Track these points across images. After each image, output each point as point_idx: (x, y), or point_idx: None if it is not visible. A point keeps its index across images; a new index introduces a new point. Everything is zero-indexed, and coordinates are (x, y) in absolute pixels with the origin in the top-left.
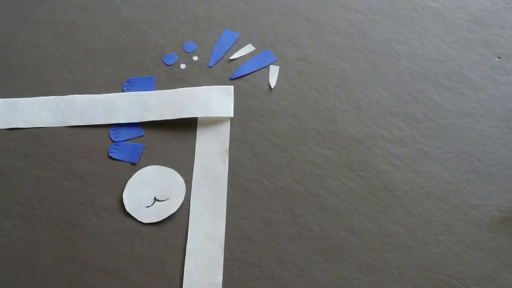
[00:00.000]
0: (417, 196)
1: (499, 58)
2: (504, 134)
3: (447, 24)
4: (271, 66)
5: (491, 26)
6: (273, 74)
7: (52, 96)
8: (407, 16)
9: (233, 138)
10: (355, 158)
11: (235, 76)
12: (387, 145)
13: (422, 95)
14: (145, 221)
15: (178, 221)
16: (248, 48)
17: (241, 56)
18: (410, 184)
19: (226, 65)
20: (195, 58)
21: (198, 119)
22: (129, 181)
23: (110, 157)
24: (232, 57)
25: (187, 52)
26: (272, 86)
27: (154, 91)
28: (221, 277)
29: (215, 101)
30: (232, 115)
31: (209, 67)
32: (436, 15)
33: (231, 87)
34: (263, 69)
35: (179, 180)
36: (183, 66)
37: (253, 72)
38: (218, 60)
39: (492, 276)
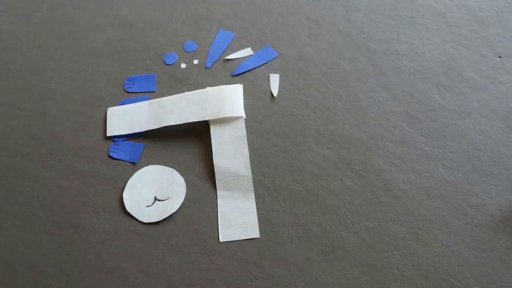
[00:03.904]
0: (418, 196)
1: (500, 57)
2: (505, 134)
3: (448, 24)
4: (271, 75)
5: (492, 26)
6: (274, 83)
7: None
8: (408, 15)
9: None
10: (356, 158)
11: (236, 73)
12: (388, 145)
13: (423, 95)
14: (145, 221)
15: (179, 220)
16: (247, 52)
17: (238, 58)
18: (410, 184)
19: (225, 64)
20: (196, 59)
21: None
22: (129, 181)
23: (110, 157)
24: (228, 57)
25: (188, 52)
26: (275, 95)
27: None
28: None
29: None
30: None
31: (207, 68)
32: (437, 15)
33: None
34: (263, 69)
35: (179, 179)
36: (183, 65)
37: (254, 68)
38: (215, 61)
39: (492, 276)
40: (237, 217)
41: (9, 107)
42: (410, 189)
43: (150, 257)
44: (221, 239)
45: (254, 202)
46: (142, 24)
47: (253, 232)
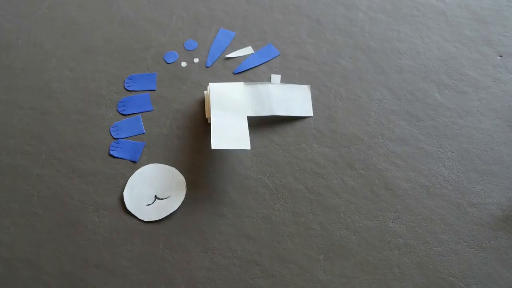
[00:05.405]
0: (418, 194)
1: (500, 56)
2: (506, 133)
3: (448, 23)
4: (273, 75)
5: (493, 25)
6: (276, 83)
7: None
8: (409, 14)
9: None
10: (356, 156)
11: (238, 71)
12: (388, 144)
13: (424, 94)
14: (145, 219)
15: (179, 219)
16: (247, 50)
17: (238, 56)
18: (411, 183)
19: (226, 62)
20: (196, 57)
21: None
22: (129, 179)
23: (111, 155)
24: (229, 56)
25: (188, 50)
26: None
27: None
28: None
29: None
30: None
31: (207, 67)
32: (438, 14)
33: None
34: (264, 67)
35: (180, 178)
36: (184, 64)
37: (256, 66)
38: (216, 60)
39: (493, 275)
40: (229, 131)
41: (9, 105)
42: (411, 188)
43: (151, 256)
44: (212, 146)
45: (246, 121)
46: (143, 23)
47: (244, 143)
